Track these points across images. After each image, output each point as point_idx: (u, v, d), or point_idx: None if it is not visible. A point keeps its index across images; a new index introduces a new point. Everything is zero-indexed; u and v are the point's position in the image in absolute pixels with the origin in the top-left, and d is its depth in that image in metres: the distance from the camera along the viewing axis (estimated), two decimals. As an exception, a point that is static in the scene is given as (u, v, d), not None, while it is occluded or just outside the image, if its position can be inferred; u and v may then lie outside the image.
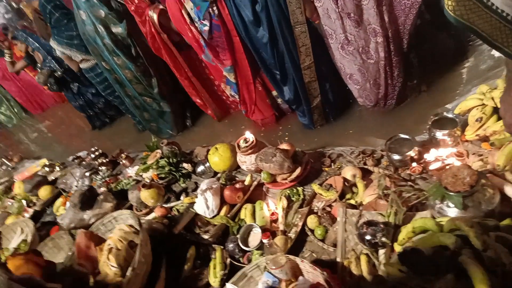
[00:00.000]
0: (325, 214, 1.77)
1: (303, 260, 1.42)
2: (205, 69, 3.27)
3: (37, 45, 4.04)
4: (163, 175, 2.56)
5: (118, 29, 2.96)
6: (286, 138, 2.92)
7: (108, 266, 1.73)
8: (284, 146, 2.14)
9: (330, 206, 1.83)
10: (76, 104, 4.47)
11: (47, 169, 3.78)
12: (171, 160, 2.56)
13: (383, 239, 1.41)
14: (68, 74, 3.96)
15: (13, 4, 12.99)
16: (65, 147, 5.23)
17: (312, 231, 1.73)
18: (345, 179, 1.91)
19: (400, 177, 1.78)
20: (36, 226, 2.73)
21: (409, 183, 1.74)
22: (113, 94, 3.78)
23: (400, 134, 1.90)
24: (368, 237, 1.44)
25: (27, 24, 6.69)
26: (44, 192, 3.25)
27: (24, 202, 3.31)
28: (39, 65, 4.23)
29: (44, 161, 3.98)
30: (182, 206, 2.27)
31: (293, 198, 2.00)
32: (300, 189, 2.04)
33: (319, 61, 2.45)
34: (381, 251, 1.44)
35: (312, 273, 1.38)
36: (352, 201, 1.77)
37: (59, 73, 4.03)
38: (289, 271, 1.44)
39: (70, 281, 1.74)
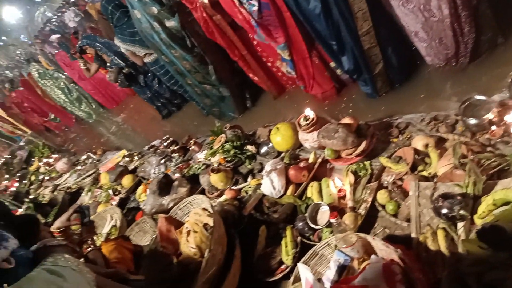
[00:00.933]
0: (396, 189, 1.70)
1: (374, 237, 1.39)
2: (257, 48, 3.24)
3: (102, 46, 4.33)
4: (229, 159, 2.64)
5: (171, 23, 3.06)
6: (350, 111, 2.80)
7: (188, 248, 1.86)
8: (346, 120, 2.07)
9: (401, 179, 1.76)
10: (145, 96, 4.75)
11: (127, 159, 4.11)
12: (235, 144, 2.63)
13: (462, 212, 1.32)
14: (135, 69, 4.20)
15: (80, 8, 13.97)
16: (140, 137, 5.63)
17: (383, 206, 1.68)
18: (415, 150, 1.81)
19: (478, 143, 1.64)
20: (123, 213, 3.02)
21: (489, 148, 1.59)
22: (176, 84, 3.95)
23: (476, 96, 1.74)
24: (444, 211, 1.36)
25: (94, 25, 7.20)
26: (127, 180, 3.55)
27: (110, 191, 3.64)
28: (108, 64, 4.54)
29: (124, 152, 4.33)
30: (250, 187, 2.34)
31: (360, 173, 1.95)
32: (367, 163, 1.98)
33: (379, 24, 2.29)
34: (460, 225, 1.35)
35: (385, 250, 1.35)
36: (425, 173, 1.67)
37: (126, 69, 4.30)
38: (360, 249, 1.42)
39: (155, 263, 1.92)
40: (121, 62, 4.14)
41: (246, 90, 3.70)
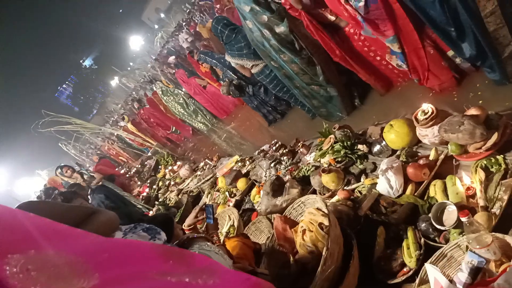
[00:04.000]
0: (539, 185, 1.48)
1: (515, 238, 1.24)
2: (364, 44, 3.15)
3: (215, 61, 4.74)
4: (339, 159, 2.62)
5: (281, 29, 3.21)
6: (480, 102, 2.52)
7: (305, 246, 1.90)
8: (472, 111, 1.88)
9: (545, 174, 1.53)
10: (252, 105, 5.03)
11: (239, 164, 4.37)
12: (345, 144, 2.59)
13: None
14: (244, 80, 4.49)
15: (190, 29, 15.37)
16: (250, 143, 5.93)
17: (524, 205, 1.48)
18: None
19: None
20: (239, 213, 3.23)
21: None
22: (282, 90, 4.09)
23: None
24: None
25: (206, 43, 7.87)
26: (241, 183, 3.77)
27: (227, 193, 3.92)
28: (220, 77, 4.95)
29: (236, 157, 4.61)
30: (364, 187, 2.28)
31: (492, 169, 1.75)
32: (500, 157, 1.76)
33: (505, 1, 2.03)
34: None
35: (530, 253, 1.19)
36: None
37: (237, 81, 4.64)
38: (497, 250, 1.27)
39: (274, 260, 2.00)
40: (232, 75, 4.49)
41: (354, 89, 3.63)
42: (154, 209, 5.34)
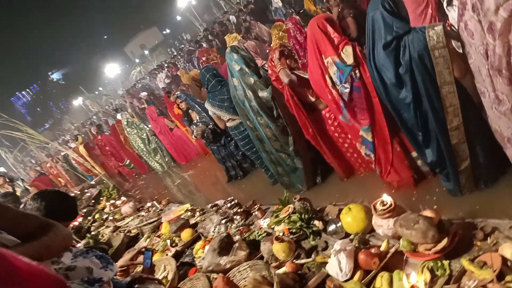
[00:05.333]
0: (480, 296, 1.53)
1: None
2: (336, 130, 3.34)
3: (194, 104, 4.80)
4: (294, 230, 2.60)
5: (264, 94, 3.36)
6: (435, 206, 2.67)
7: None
8: (428, 212, 1.97)
9: (484, 286, 1.59)
10: (218, 156, 5.03)
11: (189, 213, 4.22)
12: (303, 216, 2.60)
13: None
14: (218, 128, 4.56)
15: (170, 70, 15.62)
16: (203, 195, 5.80)
17: (464, 313, 1.51)
18: (503, 258, 1.65)
19: None
20: (176, 265, 3.04)
21: None
22: (251, 150, 4.16)
23: None
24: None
25: (184, 88, 8.00)
26: (186, 234, 3.61)
27: (168, 241, 3.71)
28: (194, 121, 4.97)
29: (188, 206, 4.46)
30: (313, 264, 2.25)
31: (437, 272, 1.80)
32: (446, 262, 1.83)
33: (469, 121, 2.26)
34: None
35: None
36: (515, 285, 1.50)
37: (211, 126, 4.69)
38: None
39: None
40: (209, 120, 4.55)
41: (318, 166, 3.75)
42: (83, 241, 4.91)
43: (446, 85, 2.18)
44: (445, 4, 2.68)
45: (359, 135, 2.82)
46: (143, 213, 5.12)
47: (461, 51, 2.18)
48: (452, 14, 2.59)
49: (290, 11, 10.23)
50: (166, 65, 22.39)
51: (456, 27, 2.18)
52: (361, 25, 4.04)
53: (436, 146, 2.39)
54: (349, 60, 2.58)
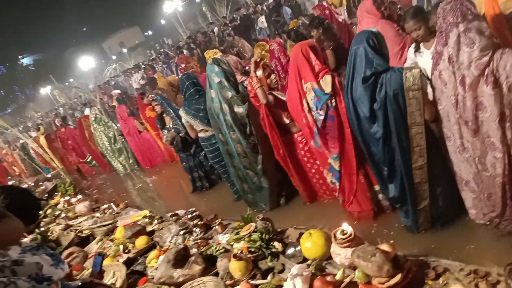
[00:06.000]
0: (428, 335, 1.57)
1: None
2: (305, 154, 3.39)
3: (169, 108, 4.75)
4: (253, 249, 2.57)
5: (239, 109, 3.38)
6: (392, 241, 2.73)
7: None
8: (385, 246, 2.02)
9: (433, 326, 1.63)
10: (186, 165, 4.95)
11: (147, 220, 4.09)
12: (263, 236, 2.58)
13: None
14: (189, 136, 4.51)
15: (147, 73, 15.43)
16: (164, 203, 5.66)
17: None
18: (453, 299, 1.70)
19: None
20: (127, 272, 2.91)
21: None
22: (219, 163, 4.13)
23: (525, 262, 1.67)
24: None
25: (160, 92, 7.88)
26: (141, 241, 3.48)
27: (121, 247, 3.56)
28: (167, 126, 4.89)
29: (146, 212, 4.32)
30: (268, 286, 2.23)
31: (387, 308, 1.83)
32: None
33: (433, 163, 2.37)
34: None
35: None
36: (463, 327, 1.55)
37: (183, 134, 4.63)
38: None
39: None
40: (181, 127, 4.50)
41: (284, 188, 3.77)
42: (30, 236, 4.63)
43: (416, 126, 2.28)
44: (412, 51, 2.84)
45: (328, 163, 2.88)
46: (98, 214, 4.91)
47: (431, 96, 2.30)
48: (419, 60, 2.76)
49: (275, 32, 10.45)
50: (143, 66, 22.07)
51: (426, 73, 2.31)
52: (338, 58, 4.19)
53: (400, 182, 2.47)
54: (327, 88, 2.65)
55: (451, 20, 1.93)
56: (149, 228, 3.87)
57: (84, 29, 53.47)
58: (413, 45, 2.85)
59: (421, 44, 2.78)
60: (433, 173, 2.41)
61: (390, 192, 2.58)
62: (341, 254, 2.15)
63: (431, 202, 2.50)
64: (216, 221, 3.36)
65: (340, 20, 5.26)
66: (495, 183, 2.12)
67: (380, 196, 2.90)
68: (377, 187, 2.87)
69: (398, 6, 5.11)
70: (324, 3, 5.57)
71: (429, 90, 2.29)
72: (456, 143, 2.17)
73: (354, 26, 6.11)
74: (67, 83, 39.00)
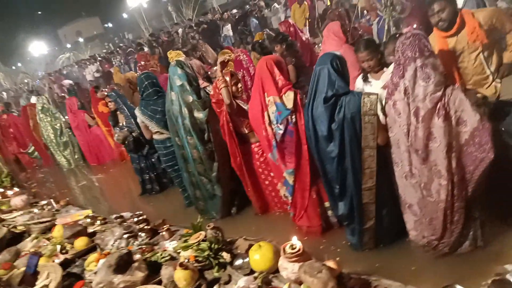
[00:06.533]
0: None
1: None
2: (261, 165, 3.42)
3: (124, 106, 4.57)
4: (200, 259, 2.52)
5: (199, 115, 3.35)
6: (337, 258, 2.81)
7: None
8: (331, 263, 2.07)
9: None
10: (137, 166, 4.77)
11: (89, 220, 3.88)
12: (212, 246, 2.54)
13: None
14: (144, 136, 4.36)
15: (103, 66, 14.81)
16: (109, 204, 5.40)
17: None
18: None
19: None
20: (62, 274, 2.73)
21: None
22: (172, 167, 4.03)
23: (457, 285, 1.79)
24: None
25: (115, 88, 7.59)
26: (80, 242, 3.28)
27: (58, 247, 3.35)
28: (120, 124, 4.69)
29: (89, 212, 4.10)
30: (213, 297, 2.19)
31: (330, 323, 1.87)
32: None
33: (381, 185, 2.49)
34: None
35: None
36: None
37: (136, 134, 4.48)
38: None
39: None
40: (135, 126, 4.35)
41: (236, 198, 3.76)
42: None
43: (368, 149, 2.39)
44: (360, 80, 3.01)
45: (283, 176, 2.92)
46: (35, 210, 4.57)
47: (383, 122, 2.43)
48: (366, 89, 2.92)
49: (240, 41, 10.52)
50: (99, 58, 21.21)
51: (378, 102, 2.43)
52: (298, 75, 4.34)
53: (349, 201, 2.56)
54: (289, 104, 2.70)
55: (410, 55, 2.06)
56: (90, 229, 3.66)
57: (39, 12, 50.38)
58: (361, 75, 3.01)
59: (369, 74, 2.96)
60: (380, 194, 2.53)
61: (340, 210, 2.66)
62: (288, 268, 2.17)
63: (376, 223, 2.62)
64: (164, 226, 3.26)
65: (304, 38, 5.40)
66: (438, 208, 2.26)
67: (329, 212, 2.99)
68: (327, 204, 2.95)
69: (360, 33, 5.35)
70: (290, 21, 5.69)
71: (381, 116, 2.41)
72: (405, 169, 2.30)
73: (316, 46, 6.33)
74: (14, 67, 36.42)
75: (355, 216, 2.58)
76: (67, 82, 15.28)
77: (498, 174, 2.25)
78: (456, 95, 2.05)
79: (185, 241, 2.75)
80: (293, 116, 2.69)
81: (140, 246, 3.03)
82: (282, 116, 2.69)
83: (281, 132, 2.71)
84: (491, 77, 2.90)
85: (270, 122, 2.77)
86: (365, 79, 2.99)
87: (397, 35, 2.91)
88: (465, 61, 2.88)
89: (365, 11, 6.53)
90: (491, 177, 2.24)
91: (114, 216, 3.89)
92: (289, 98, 2.71)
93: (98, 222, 3.83)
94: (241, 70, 4.45)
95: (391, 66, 2.74)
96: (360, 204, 2.53)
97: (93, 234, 3.63)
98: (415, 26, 4.46)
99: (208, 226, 2.75)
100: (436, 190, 2.23)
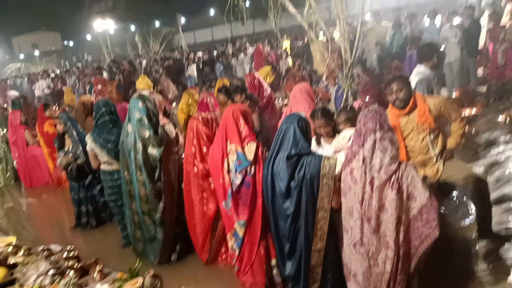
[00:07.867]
0: None
1: None
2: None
3: (73, 131, 4.32)
4: (134, 308, 2.33)
5: (153, 151, 3.25)
6: None
7: None
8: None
9: None
10: (75, 196, 4.41)
11: (10, 249, 3.49)
12: (150, 295, 2.37)
13: None
14: (88, 165, 4.11)
15: (56, 84, 14.10)
16: (36, 233, 4.87)
17: None
18: None
19: None
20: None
21: None
22: (115, 202, 3.77)
23: None
24: None
25: (66, 109, 7.22)
26: (-3, 275, 2.93)
27: (-32, 278, 2.95)
28: (65, 149, 4.41)
29: (13, 239, 3.70)
30: None
31: None
32: None
33: (329, 249, 2.51)
34: None
35: None
36: None
37: (81, 161, 4.22)
38: None
39: None
40: (82, 153, 4.12)
41: (179, 244, 3.55)
42: None
43: (322, 211, 2.43)
44: (314, 143, 3.16)
45: (233, 227, 2.85)
46: None
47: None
48: (319, 152, 3.05)
49: (203, 83, 10.62)
50: (53, 74, 20.24)
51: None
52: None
53: (297, 261, 2.55)
54: (250, 155, 2.71)
55: (371, 127, 2.19)
56: (11, 260, 3.30)
57: (-5, 18, 47.89)
58: (314, 138, 3.17)
59: (322, 138, 3.12)
60: (328, 257, 2.54)
61: (287, 269, 2.63)
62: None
63: (320, 286, 2.59)
64: (97, 266, 3.01)
65: (268, 92, 5.57)
66: (382, 279, 2.30)
67: (275, 271, 2.92)
68: (273, 262, 2.90)
69: (319, 97, 5.64)
70: (255, 74, 5.87)
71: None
72: (355, 237, 2.34)
73: (276, 100, 6.51)
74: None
75: (301, 278, 2.55)
76: (12, 93, 14.32)
77: (434, 249, 2.37)
78: (409, 171, 2.18)
79: (119, 286, 2.54)
80: (252, 168, 2.69)
81: (67, 286, 2.76)
82: (241, 166, 2.68)
83: (238, 182, 2.69)
84: (434, 159, 3.14)
85: (229, 170, 2.74)
86: (318, 142, 3.15)
87: (348, 108, 3.15)
88: (413, 140, 3.12)
89: (324, 77, 6.92)
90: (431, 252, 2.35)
91: (41, 247, 3.54)
92: (250, 149, 2.73)
93: (22, 253, 3.46)
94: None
95: (342, 133, 2.92)
96: (308, 266, 2.51)
97: (14, 266, 3.26)
98: (367, 99, 4.82)
99: (148, 272, 2.58)
100: (382, 261, 2.28)
